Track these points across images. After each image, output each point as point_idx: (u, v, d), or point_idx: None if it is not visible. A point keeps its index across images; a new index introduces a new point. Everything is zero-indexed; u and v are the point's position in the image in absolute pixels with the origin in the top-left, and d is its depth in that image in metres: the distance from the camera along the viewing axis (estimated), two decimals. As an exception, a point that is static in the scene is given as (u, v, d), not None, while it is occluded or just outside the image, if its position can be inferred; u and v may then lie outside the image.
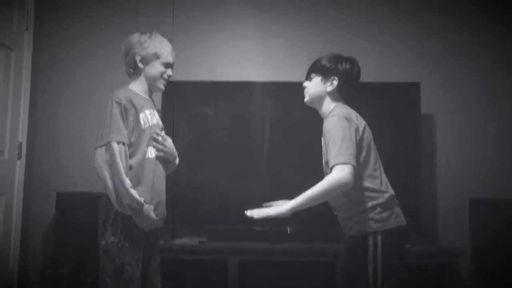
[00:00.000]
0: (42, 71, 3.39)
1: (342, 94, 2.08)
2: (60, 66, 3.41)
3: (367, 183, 1.96)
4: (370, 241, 1.93)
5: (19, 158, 3.13)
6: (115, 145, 1.92)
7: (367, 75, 3.19)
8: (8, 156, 3.03)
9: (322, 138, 2.05)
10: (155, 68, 2.09)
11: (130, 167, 1.97)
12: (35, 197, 3.28)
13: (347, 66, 2.06)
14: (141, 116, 2.03)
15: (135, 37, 2.09)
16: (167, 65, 2.12)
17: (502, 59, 3.35)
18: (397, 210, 2.01)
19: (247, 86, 3.22)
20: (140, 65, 2.07)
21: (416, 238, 2.95)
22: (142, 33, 2.10)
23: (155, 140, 2.07)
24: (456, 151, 3.28)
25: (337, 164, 1.88)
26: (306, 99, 2.13)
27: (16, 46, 3.11)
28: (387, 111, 3.10)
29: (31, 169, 3.27)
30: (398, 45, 3.38)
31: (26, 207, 3.19)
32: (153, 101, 2.16)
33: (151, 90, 2.14)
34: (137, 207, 1.93)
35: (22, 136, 3.16)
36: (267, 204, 2.06)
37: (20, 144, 3.14)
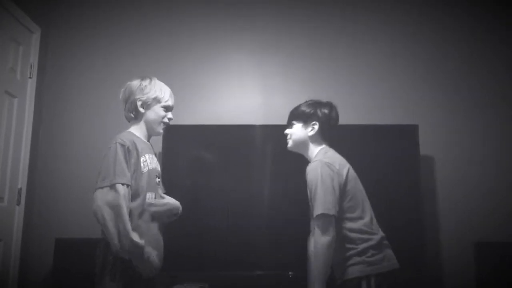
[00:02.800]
0: (43, 118, 3.43)
1: (324, 138, 2.15)
2: (61, 113, 3.45)
3: (357, 225, 1.97)
4: (364, 286, 1.90)
5: (18, 204, 3.11)
6: (120, 187, 1.92)
7: (366, 118, 3.27)
8: (7, 202, 3.01)
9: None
10: (156, 112, 2.13)
11: (130, 211, 1.95)
12: (34, 243, 3.24)
13: (326, 111, 2.15)
14: (142, 159, 2.04)
15: (136, 83, 2.14)
16: (167, 109, 2.16)
17: (500, 98, 3.37)
18: (389, 252, 1.99)
19: (247, 129, 3.23)
20: (141, 109, 2.11)
21: (421, 284, 2.88)
22: (142, 79, 2.15)
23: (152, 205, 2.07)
24: (458, 193, 3.25)
25: (319, 214, 1.91)
26: (289, 145, 2.20)
27: (19, 93, 3.16)
28: (387, 153, 3.09)
29: (30, 215, 3.24)
30: (396, 88, 3.42)
31: (24, 253, 3.15)
32: (151, 145, 2.18)
33: (150, 134, 2.17)
34: (138, 250, 1.90)
35: (22, 182, 3.16)
36: None
37: (19, 190, 3.13)
